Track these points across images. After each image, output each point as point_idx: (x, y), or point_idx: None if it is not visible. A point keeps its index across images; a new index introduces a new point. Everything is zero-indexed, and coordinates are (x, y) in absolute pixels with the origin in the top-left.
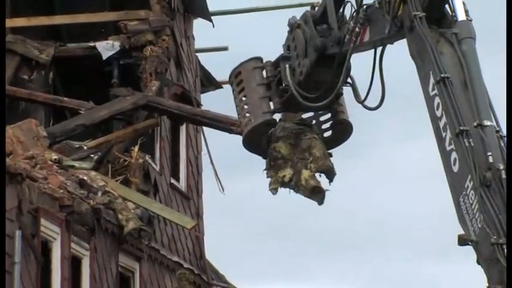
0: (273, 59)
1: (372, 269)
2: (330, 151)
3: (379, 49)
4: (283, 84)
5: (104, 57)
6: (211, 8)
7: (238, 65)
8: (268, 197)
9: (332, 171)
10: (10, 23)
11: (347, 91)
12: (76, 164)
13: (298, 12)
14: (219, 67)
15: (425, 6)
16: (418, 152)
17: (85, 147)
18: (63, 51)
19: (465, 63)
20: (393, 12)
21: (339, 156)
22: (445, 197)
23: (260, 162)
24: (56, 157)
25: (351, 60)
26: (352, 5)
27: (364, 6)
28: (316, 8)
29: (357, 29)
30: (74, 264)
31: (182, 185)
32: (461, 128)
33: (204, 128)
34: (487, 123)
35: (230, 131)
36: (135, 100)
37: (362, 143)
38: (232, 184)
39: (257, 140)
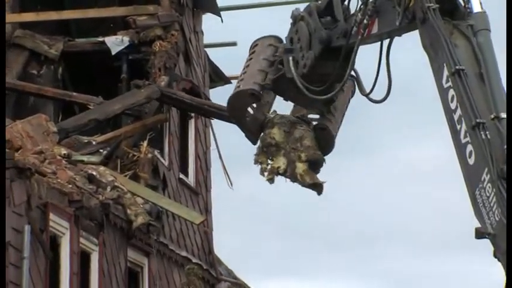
0: None
1: (379, 265)
2: None
3: (386, 41)
4: (287, 75)
5: (113, 52)
6: (220, 3)
7: (260, 38)
8: (276, 192)
9: (321, 162)
10: (19, 17)
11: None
12: (85, 158)
13: (304, 6)
14: (228, 62)
15: None
16: (426, 151)
17: (94, 142)
18: (72, 46)
19: (481, 55)
20: (405, 3)
21: (347, 153)
22: (452, 194)
23: None
24: (65, 152)
25: (352, 52)
26: None
27: None
28: (320, 1)
29: (365, 21)
30: (82, 259)
31: (191, 180)
32: (477, 120)
33: (213, 123)
34: (503, 115)
35: None
36: (148, 93)
37: (369, 141)
38: (241, 179)
39: (238, 108)
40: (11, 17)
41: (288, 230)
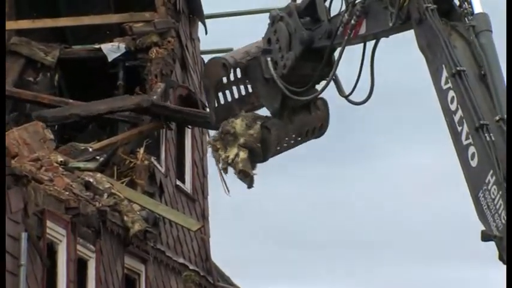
0: None
1: (378, 271)
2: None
3: (372, 43)
4: (264, 76)
5: (110, 59)
6: (217, 9)
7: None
8: (273, 199)
9: (258, 154)
10: (15, 25)
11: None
12: (81, 165)
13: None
14: None
15: None
16: (427, 157)
17: (90, 149)
18: (69, 53)
19: (484, 56)
20: (399, 4)
21: (347, 160)
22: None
23: (265, 165)
24: (61, 159)
25: (334, 53)
26: None
27: None
28: (299, 0)
29: (352, 22)
30: (79, 266)
31: (188, 186)
32: (481, 122)
33: (210, 130)
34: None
35: None
36: (139, 100)
37: (367, 147)
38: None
39: (210, 76)
40: (7, 24)
41: (285, 236)
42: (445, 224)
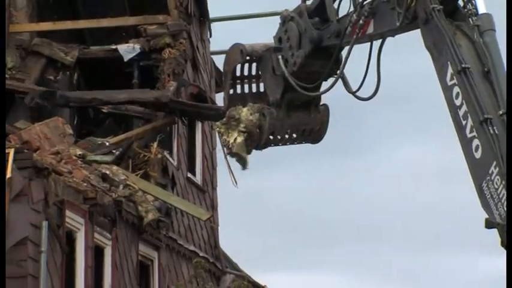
0: None
1: (380, 260)
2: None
3: (378, 42)
4: (276, 73)
5: (125, 59)
6: (229, 12)
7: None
8: (279, 190)
9: (256, 138)
10: (37, 27)
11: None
12: (98, 158)
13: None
14: None
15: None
16: (426, 150)
17: (107, 144)
18: (87, 54)
19: (488, 55)
20: (406, 4)
21: (350, 153)
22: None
23: (272, 159)
24: (80, 152)
25: (341, 52)
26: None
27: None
28: (310, 1)
29: (360, 22)
30: (96, 253)
31: (198, 178)
32: (485, 116)
33: None
34: None
35: None
36: (158, 95)
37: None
38: (245, 178)
39: (229, 61)
40: (29, 26)
41: (290, 226)
42: (443, 215)
